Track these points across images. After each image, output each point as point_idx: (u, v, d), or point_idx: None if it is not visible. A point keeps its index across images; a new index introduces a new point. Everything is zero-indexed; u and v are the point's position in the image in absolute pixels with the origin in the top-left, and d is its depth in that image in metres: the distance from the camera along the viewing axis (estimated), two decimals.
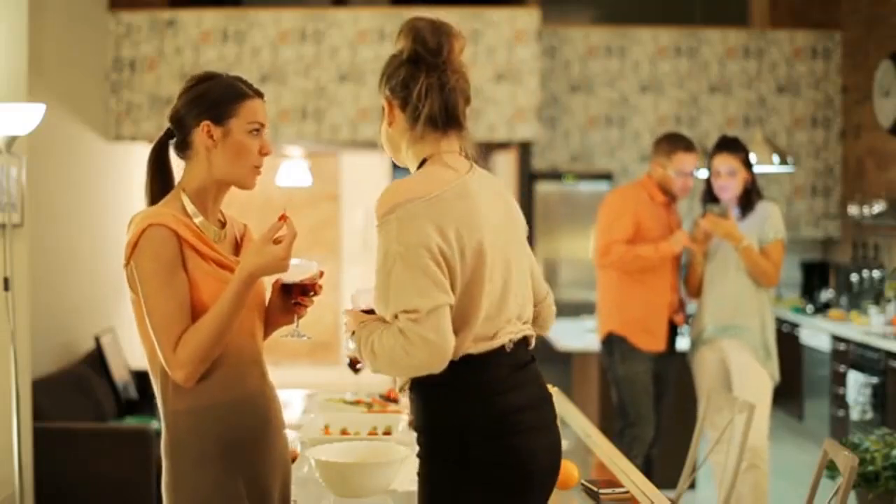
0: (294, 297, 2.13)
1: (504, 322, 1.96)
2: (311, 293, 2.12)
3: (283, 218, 2.01)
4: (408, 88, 1.96)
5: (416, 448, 1.98)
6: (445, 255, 1.86)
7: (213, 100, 2.06)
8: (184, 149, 2.09)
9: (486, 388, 1.90)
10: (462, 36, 2.00)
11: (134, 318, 2.04)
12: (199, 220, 2.06)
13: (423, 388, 1.93)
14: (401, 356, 1.82)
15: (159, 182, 2.13)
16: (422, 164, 1.99)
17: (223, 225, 2.16)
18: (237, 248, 2.17)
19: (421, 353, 1.81)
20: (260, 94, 2.11)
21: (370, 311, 1.98)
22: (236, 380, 2.06)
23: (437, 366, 1.84)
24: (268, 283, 2.15)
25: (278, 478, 2.14)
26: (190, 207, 2.06)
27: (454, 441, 1.89)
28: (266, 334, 2.21)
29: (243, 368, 2.08)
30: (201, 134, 2.05)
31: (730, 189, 4.27)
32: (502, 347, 1.95)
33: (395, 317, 1.84)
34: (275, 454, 2.13)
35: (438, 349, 1.82)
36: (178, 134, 2.09)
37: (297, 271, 2.09)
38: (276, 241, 2.00)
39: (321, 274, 2.12)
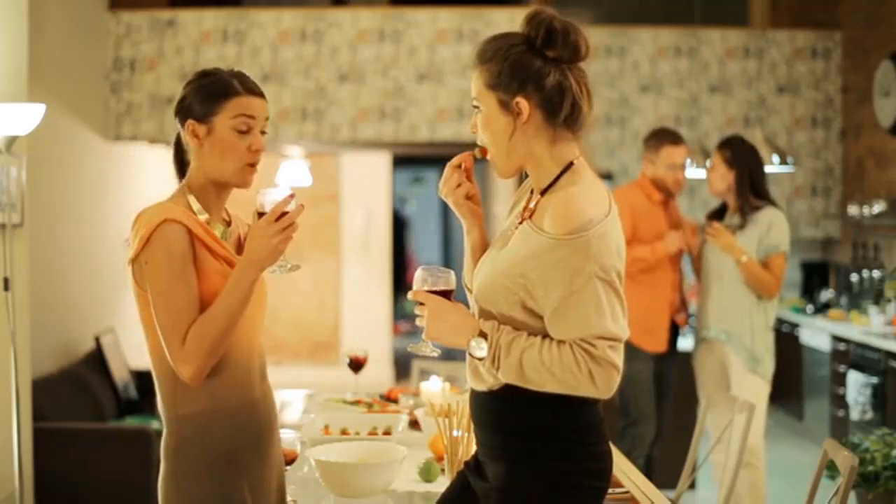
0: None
1: None
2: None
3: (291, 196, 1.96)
4: (544, 84, 1.89)
5: (493, 450, 1.91)
6: (623, 277, 1.82)
7: (199, 98, 2.02)
8: (185, 147, 2.08)
9: (584, 398, 1.84)
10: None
11: (139, 317, 2.00)
12: (204, 217, 2.04)
13: (523, 394, 1.85)
14: (582, 379, 1.77)
15: (181, 178, 2.12)
16: (565, 169, 1.88)
17: (228, 224, 2.14)
18: (240, 247, 2.14)
19: (605, 379, 1.77)
20: (254, 92, 2.06)
21: (443, 293, 1.90)
22: (243, 383, 2.04)
23: (609, 393, 1.80)
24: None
25: (275, 480, 2.14)
26: (195, 205, 2.04)
27: (551, 445, 1.86)
28: None
29: (249, 372, 2.06)
30: (188, 133, 2.03)
31: (715, 183, 4.28)
32: None
33: (583, 339, 1.77)
34: (274, 458, 2.13)
35: (618, 377, 1.79)
36: (181, 131, 2.07)
37: (269, 200, 2.00)
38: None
39: (292, 196, 1.99)
